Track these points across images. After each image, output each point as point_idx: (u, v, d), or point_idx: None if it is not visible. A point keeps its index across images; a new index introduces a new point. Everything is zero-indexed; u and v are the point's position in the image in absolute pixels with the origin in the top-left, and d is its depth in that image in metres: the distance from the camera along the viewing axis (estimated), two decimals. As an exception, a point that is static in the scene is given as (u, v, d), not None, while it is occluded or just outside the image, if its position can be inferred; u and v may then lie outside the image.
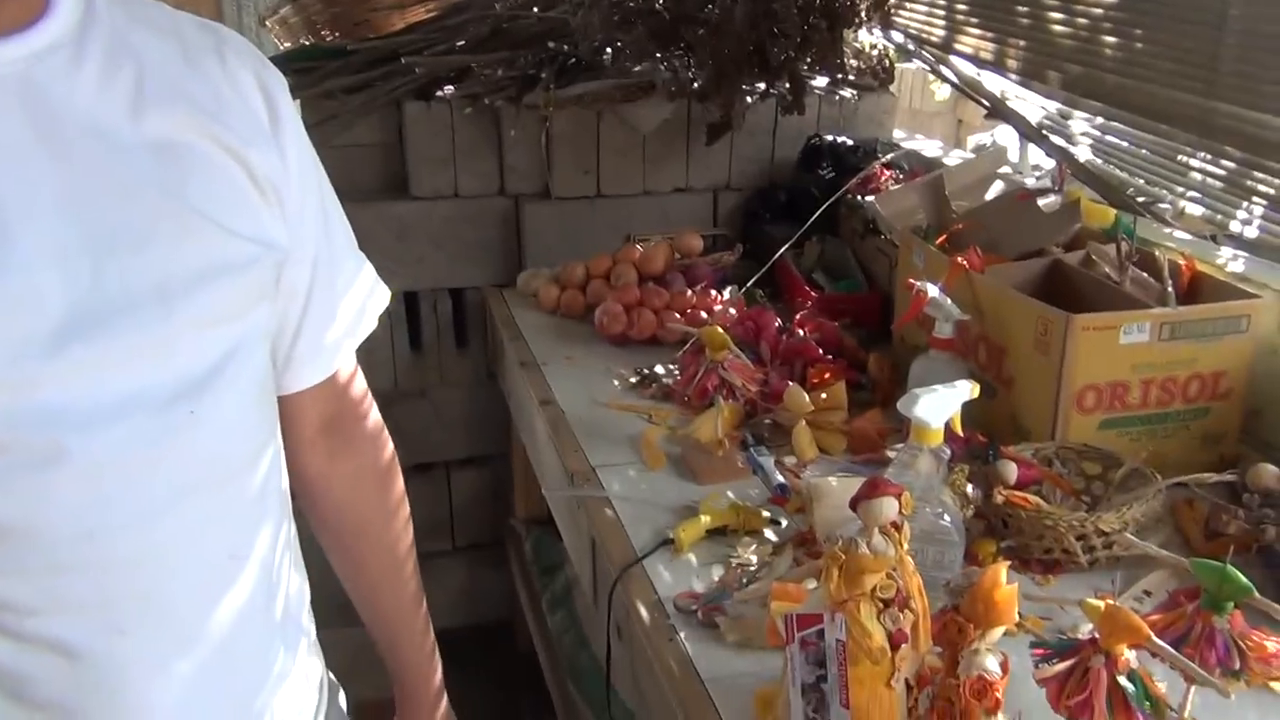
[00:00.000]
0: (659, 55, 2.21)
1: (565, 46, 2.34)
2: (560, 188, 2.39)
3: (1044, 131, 2.12)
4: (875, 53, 2.56)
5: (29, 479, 0.70)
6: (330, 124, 2.31)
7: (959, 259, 1.58)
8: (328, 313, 0.92)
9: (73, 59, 0.73)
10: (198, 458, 0.77)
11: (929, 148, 2.46)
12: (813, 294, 2.01)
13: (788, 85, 2.22)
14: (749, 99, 2.32)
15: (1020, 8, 2.23)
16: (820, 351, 1.74)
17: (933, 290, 1.54)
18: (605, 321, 2.01)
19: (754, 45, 2.08)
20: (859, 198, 2.17)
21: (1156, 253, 1.56)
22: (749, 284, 2.09)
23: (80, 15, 0.74)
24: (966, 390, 1.17)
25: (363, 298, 0.96)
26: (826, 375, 1.66)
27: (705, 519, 1.34)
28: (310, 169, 0.88)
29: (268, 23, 2.72)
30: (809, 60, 2.20)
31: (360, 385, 1.02)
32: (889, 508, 0.94)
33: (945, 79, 2.49)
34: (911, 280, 1.59)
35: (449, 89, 2.36)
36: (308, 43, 2.58)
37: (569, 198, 2.40)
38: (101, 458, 0.72)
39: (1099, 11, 2.02)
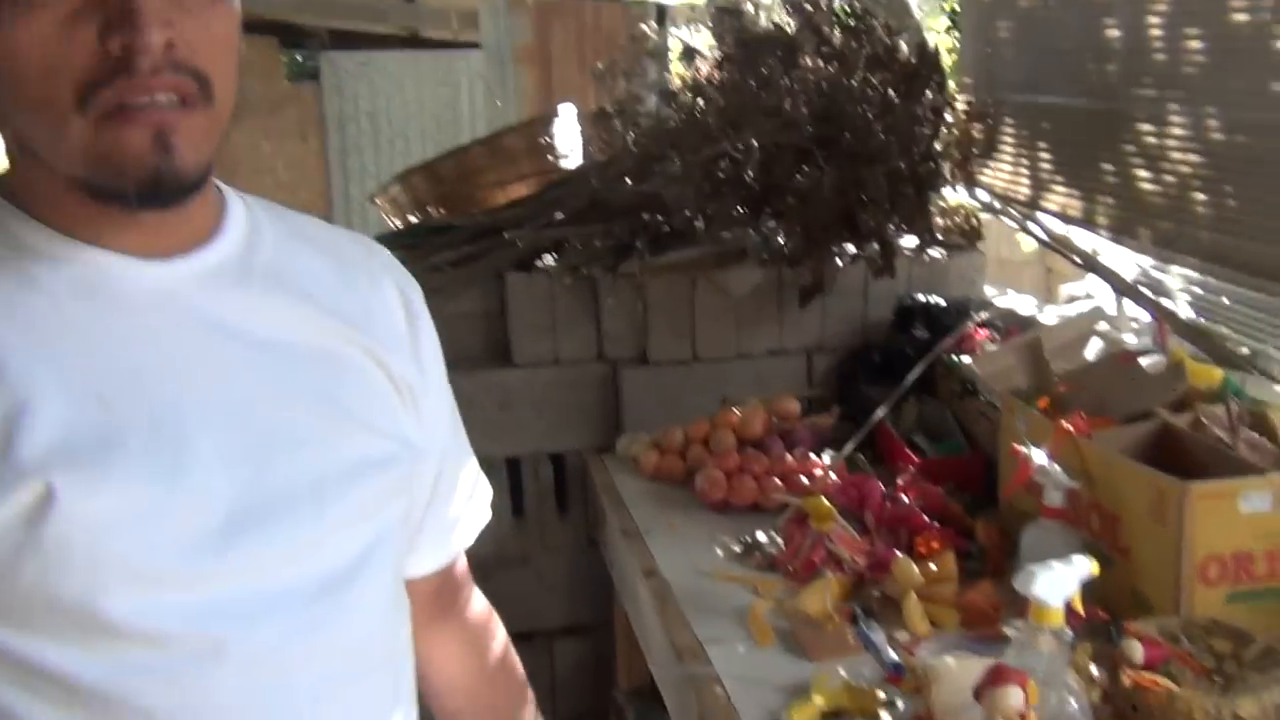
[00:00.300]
0: (749, 223, 2.28)
1: (659, 217, 2.44)
2: (657, 352, 2.44)
3: (1140, 288, 2.12)
4: (961, 212, 2.60)
5: (191, 673, 0.73)
6: (436, 296, 2.40)
7: (1064, 424, 1.57)
8: (450, 503, 0.99)
9: (240, 276, 0.80)
10: (344, 648, 0.81)
11: (1023, 304, 2.47)
12: (914, 457, 2.01)
13: (878, 248, 2.26)
14: (839, 262, 2.37)
15: (1106, 166, 2.26)
16: (926, 519, 1.73)
17: (1039, 456, 1.53)
18: (706, 488, 2.02)
19: (843, 212, 2.13)
20: (955, 358, 2.18)
21: (1269, 413, 1.53)
22: (848, 447, 2.09)
23: (247, 234, 0.82)
24: (1086, 567, 1.15)
25: (476, 488, 1.03)
26: (934, 544, 1.64)
27: (819, 700, 1.32)
28: (441, 371, 0.96)
29: (377, 200, 2.88)
30: (897, 224, 2.25)
31: (463, 565, 1.08)
32: (1015, 698, 0.92)
33: (1034, 236, 2.51)
34: (1016, 446, 1.58)
35: (549, 259, 2.46)
36: (415, 219, 2.72)
37: (665, 362, 2.45)
38: (259, 651, 0.75)
39: (1187, 170, 2.04)
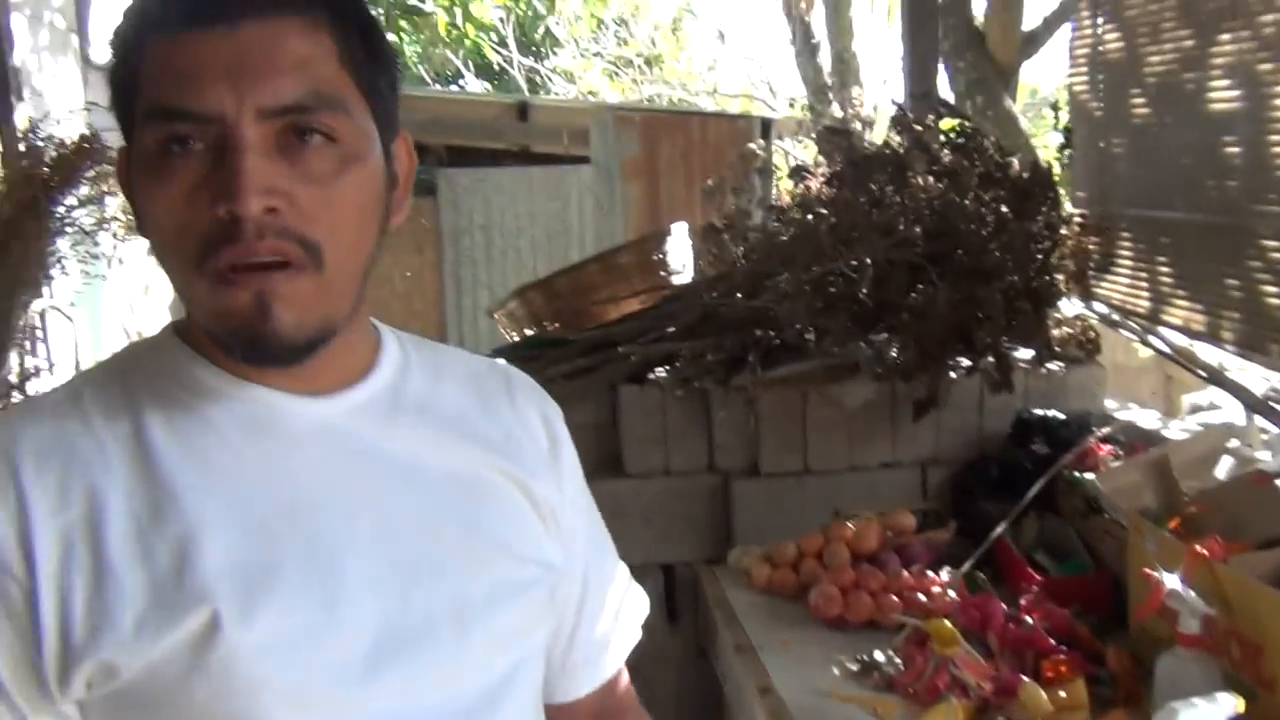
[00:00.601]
0: (862, 337, 2.30)
1: (770, 331, 2.46)
2: (768, 464, 2.44)
3: (1272, 404, 2.06)
4: (1079, 324, 2.57)
5: None
6: (550, 408, 2.47)
7: (1198, 547, 1.52)
8: (599, 622, 0.99)
9: (391, 408, 0.85)
10: None
11: (1146, 418, 2.41)
12: (1036, 576, 1.95)
13: (993, 363, 2.25)
14: (953, 375, 2.35)
15: (1231, 281, 2.22)
16: (1053, 642, 1.68)
17: (1171, 581, 1.48)
18: (821, 604, 2.00)
19: (958, 327, 2.13)
20: (1077, 474, 2.13)
21: None
22: (967, 565, 2.05)
23: (398, 369, 0.87)
24: (1231, 705, 1.11)
25: (627, 603, 1.03)
26: (1062, 669, 1.58)
27: (946, 832, 1.28)
28: (581, 490, 0.98)
29: (495, 315, 2.98)
30: (1014, 339, 2.23)
31: (625, 685, 1.06)
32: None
33: (1156, 350, 2.47)
34: (1148, 571, 1.53)
35: (661, 372, 2.51)
36: (531, 333, 2.81)
37: (777, 474, 2.45)
38: None
39: (1319, 284, 1.99)
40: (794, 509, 2.43)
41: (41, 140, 2.36)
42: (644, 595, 1.06)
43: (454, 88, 11.59)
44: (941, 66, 3.99)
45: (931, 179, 2.22)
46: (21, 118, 3.10)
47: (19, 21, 3.31)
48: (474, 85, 12.20)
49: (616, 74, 12.98)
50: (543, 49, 12.55)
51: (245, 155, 0.71)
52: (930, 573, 2.05)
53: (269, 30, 0.72)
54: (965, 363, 2.33)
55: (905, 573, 2.03)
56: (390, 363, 0.86)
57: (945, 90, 4.71)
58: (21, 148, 2.55)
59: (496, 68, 11.94)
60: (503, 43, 11.51)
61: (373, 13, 0.82)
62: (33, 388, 2.85)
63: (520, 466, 0.89)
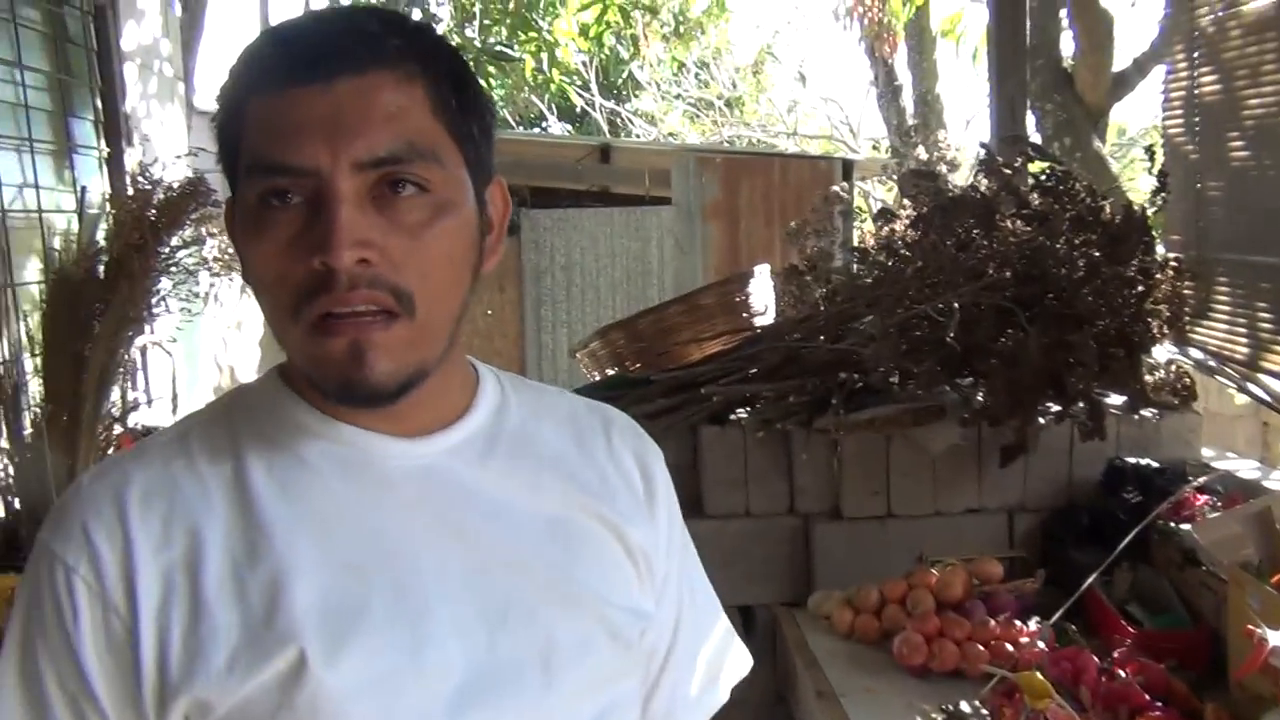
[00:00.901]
0: (948, 381, 2.27)
1: (854, 374, 2.45)
2: (850, 508, 2.42)
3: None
4: (1174, 370, 2.51)
5: None
6: (632, 448, 2.48)
7: (1303, 604, 1.46)
8: (688, 673, 0.95)
9: (485, 450, 0.85)
10: None
11: (1244, 468, 2.33)
12: (1130, 629, 1.90)
13: (1085, 409, 2.20)
14: (1042, 421, 2.31)
15: (1336, 327, 2.15)
16: (1148, 698, 1.62)
17: (1276, 639, 1.43)
18: (905, 651, 1.96)
19: (1049, 373, 2.10)
20: (1172, 524, 2.07)
21: None
22: (1057, 615, 2.00)
23: (495, 409, 0.87)
24: (1341, 769, 1.06)
25: (720, 659, 0.99)
26: (1158, 727, 1.53)
27: None
28: (677, 535, 0.95)
29: (577, 355, 3.01)
30: (1106, 385, 2.19)
31: None
32: None
33: (1253, 397, 2.39)
34: (1250, 627, 1.48)
35: (742, 413, 2.50)
36: (613, 373, 2.83)
37: (859, 518, 2.42)
38: None
39: None
40: (876, 554, 2.40)
41: (149, 184, 2.47)
42: (745, 653, 1.02)
43: (537, 130, 11.81)
44: (1029, 108, 3.95)
45: (1020, 222, 2.20)
46: (131, 162, 3.25)
47: (130, 70, 3.47)
48: (556, 128, 12.40)
49: (697, 116, 13.08)
50: (624, 92, 12.72)
51: (339, 208, 0.72)
52: (1018, 622, 2.00)
53: (363, 85, 0.74)
54: (1055, 408, 2.29)
55: (992, 622, 1.99)
56: (487, 404, 0.87)
57: (1032, 132, 4.66)
58: (130, 191, 2.67)
59: (579, 110, 12.13)
60: (585, 86, 11.70)
61: (466, 61, 0.84)
62: (133, 420, 2.96)
63: (614, 511, 0.88)
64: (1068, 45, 5.73)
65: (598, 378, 2.88)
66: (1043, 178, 2.32)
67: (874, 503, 2.42)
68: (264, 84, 0.75)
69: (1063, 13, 5.60)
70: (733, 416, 2.50)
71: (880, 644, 2.08)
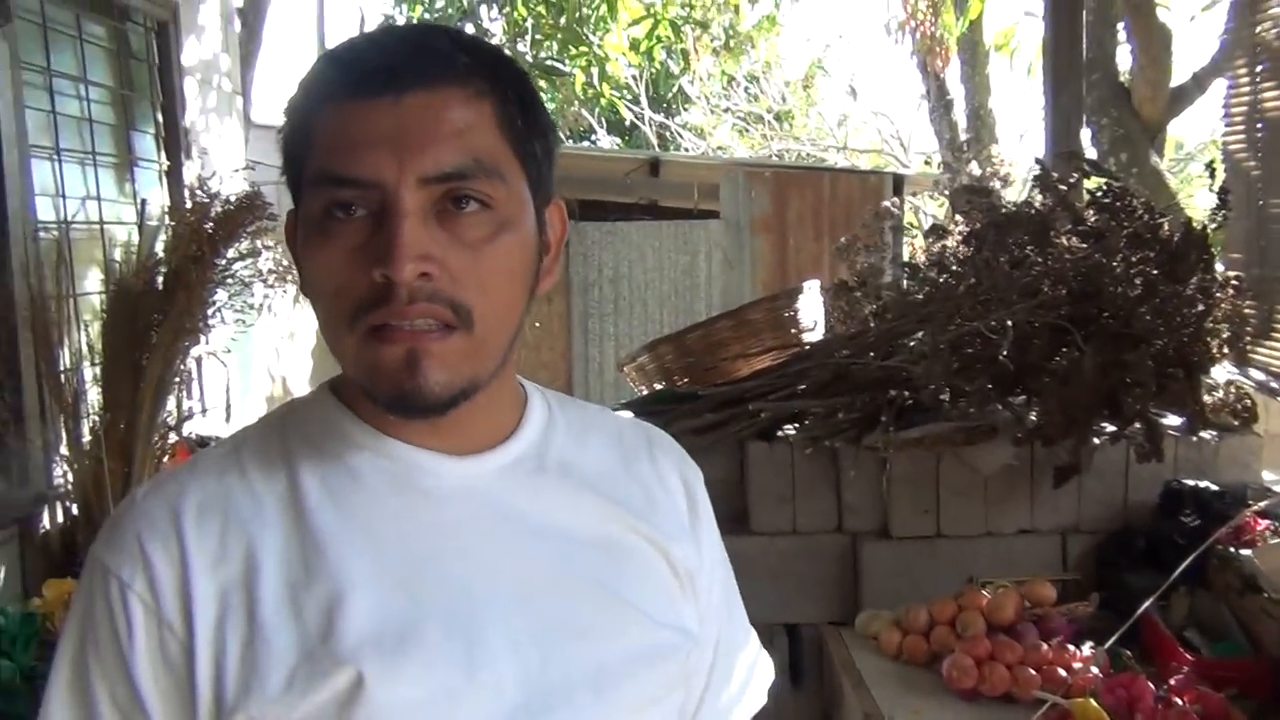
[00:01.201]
0: (1001, 400, 2.24)
1: (905, 392, 2.43)
2: (899, 527, 2.39)
3: None
4: (1233, 391, 2.46)
5: None
6: (679, 463, 2.47)
7: (1370, 635, 1.42)
8: (725, 690, 0.96)
9: (534, 469, 0.85)
10: None
11: (1307, 493, 2.27)
12: (1188, 656, 1.85)
13: (1141, 429, 2.16)
14: (1097, 441, 2.27)
15: (1405, 349, 2.09)
16: (1206, 728, 1.59)
17: (1342, 670, 1.39)
18: (954, 675, 1.93)
19: (1104, 392, 2.06)
20: (1231, 549, 2.02)
21: None
22: (1111, 641, 1.96)
23: (544, 429, 0.87)
24: None
25: (754, 672, 1.00)
26: (1217, 758, 1.50)
27: None
28: (718, 553, 0.95)
29: (625, 369, 3.01)
30: (1164, 406, 2.14)
31: None
32: None
33: (1319, 420, 2.33)
34: (1314, 657, 1.44)
35: (790, 430, 2.49)
36: (661, 387, 2.83)
37: (908, 537, 2.40)
38: None
39: None
40: (925, 574, 2.37)
41: (207, 197, 2.51)
42: (770, 663, 1.04)
43: (586, 143, 11.87)
44: (1084, 123, 3.90)
45: (1076, 239, 2.16)
46: (190, 175, 3.31)
47: (190, 84, 3.54)
48: (605, 141, 12.46)
49: (746, 130, 13.07)
50: (674, 105, 12.75)
51: (403, 222, 0.72)
52: (1071, 647, 1.97)
53: (432, 100, 0.74)
54: (1111, 429, 2.25)
55: (1044, 646, 1.96)
56: (535, 422, 0.87)
57: (1087, 147, 4.59)
58: (189, 204, 2.72)
59: (628, 124, 12.17)
60: (635, 100, 11.74)
61: (532, 81, 0.84)
62: (187, 428, 3.01)
63: (659, 530, 0.87)
64: (1125, 59, 5.66)
65: (645, 392, 2.89)
66: (1099, 194, 2.28)
67: (923, 522, 2.39)
68: (333, 97, 0.75)
69: (1120, 26, 5.53)
70: (780, 433, 2.49)
71: (929, 666, 2.06)
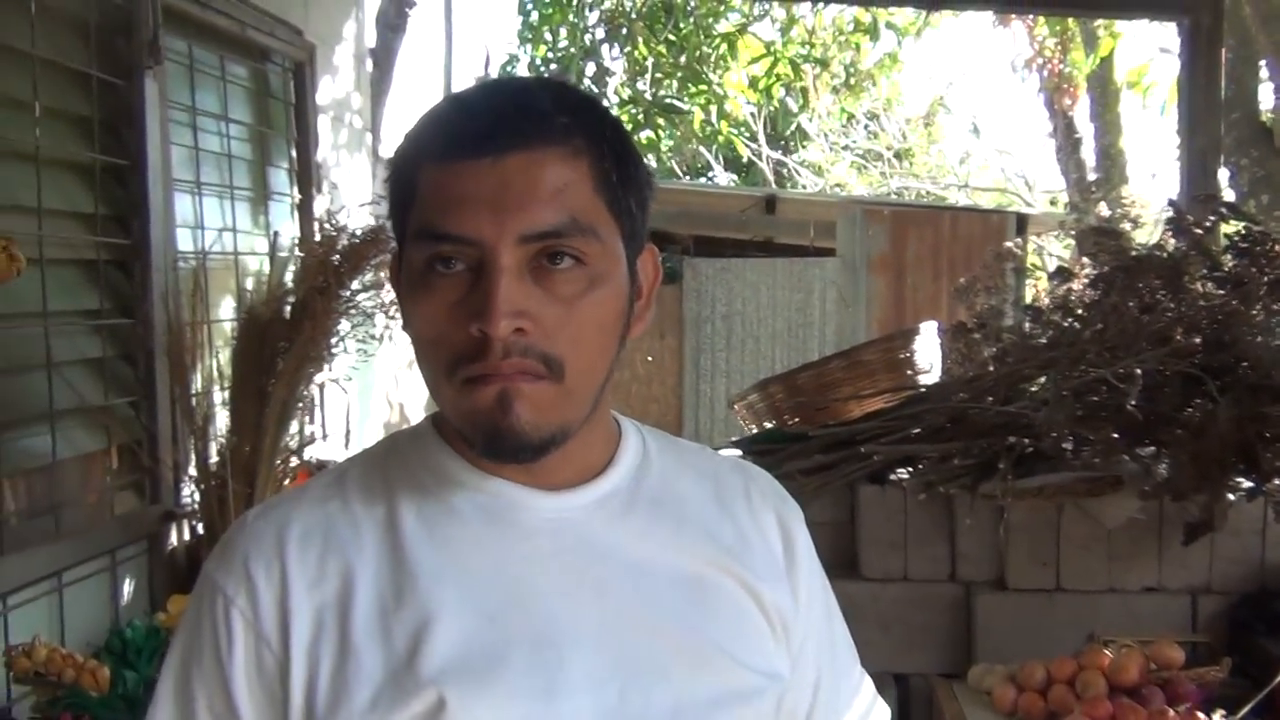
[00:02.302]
0: (1127, 451, 2.15)
1: (1025, 439, 2.35)
2: (1016, 578, 2.31)
3: None
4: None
5: None
6: (787, 504, 2.44)
7: None
8: None
9: (625, 505, 0.86)
10: None
11: None
12: (1331, 733, 1.74)
13: (1280, 486, 2.05)
14: (1232, 497, 2.16)
15: None
16: (1352, 812, 1.48)
17: None
18: (1073, 737, 1.85)
19: (1241, 446, 1.96)
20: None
21: None
22: (1245, 710, 1.85)
23: (637, 465, 0.89)
24: None
25: (866, 712, 0.98)
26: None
27: None
28: (818, 596, 0.94)
29: (735, 406, 2.99)
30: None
31: None
32: None
33: None
34: None
35: (903, 474, 2.43)
36: (771, 426, 2.80)
37: (1025, 589, 2.31)
38: None
39: None
40: (1043, 629, 2.28)
41: (335, 230, 2.60)
42: (887, 710, 1.01)
43: (703, 180, 11.93)
44: (1222, 164, 3.75)
45: (1212, 285, 2.07)
46: (319, 208, 3.44)
47: (323, 122, 3.69)
48: (722, 177, 12.50)
49: (865, 167, 12.96)
50: (792, 142, 12.73)
51: (499, 279, 0.75)
52: (1201, 715, 1.87)
53: (531, 160, 0.76)
54: (1247, 485, 2.14)
55: (1171, 712, 1.86)
56: (629, 459, 0.88)
57: (1225, 189, 4.41)
58: (317, 236, 2.83)
59: (745, 160, 12.20)
60: (753, 137, 11.76)
61: (629, 135, 0.86)
62: (309, 453, 3.10)
63: (751, 571, 0.87)
64: (1267, 98, 5.43)
65: (755, 430, 2.86)
66: (1237, 238, 2.19)
67: (1042, 574, 2.30)
68: (437, 154, 0.78)
69: (1262, 64, 5.31)
70: (893, 476, 2.44)
71: (1046, 726, 1.98)
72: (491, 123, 0.77)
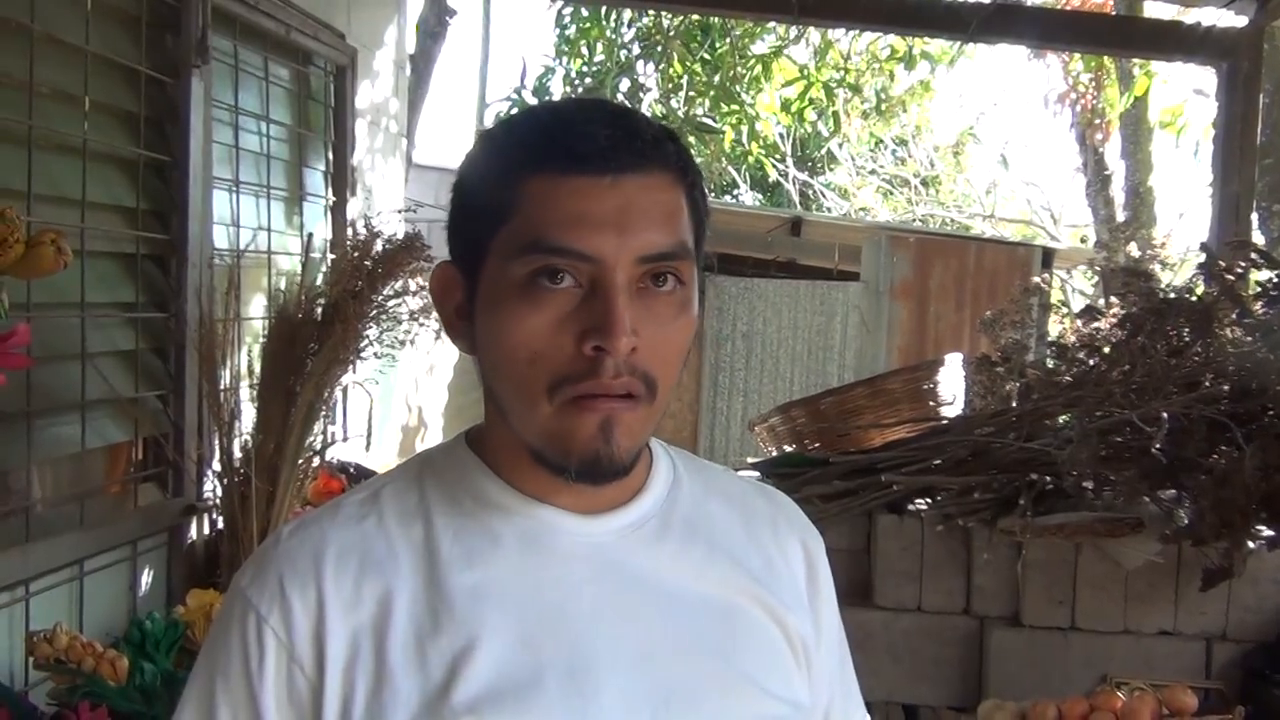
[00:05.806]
0: (1149, 494, 2.15)
1: (1046, 476, 2.35)
2: (1031, 615, 2.31)
3: None
4: None
5: None
6: (804, 529, 2.44)
7: None
8: None
9: (658, 530, 0.86)
10: None
11: None
12: (1344, 788, 1.73)
13: (1302, 537, 2.04)
14: (1252, 545, 2.15)
15: None
16: None
17: None
18: (1083, 778, 1.85)
19: (1266, 494, 1.95)
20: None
21: None
22: (1258, 760, 1.84)
23: (669, 488, 0.89)
24: None
25: None
26: None
27: None
28: (835, 626, 0.95)
29: (756, 428, 3.00)
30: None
31: None
32: None
33: None
34: None
35: (921, 504, 2.43)
36: (790, 449, 2.81)
37: (1039, 627, 2.31)
38: None
39: None
40: (1056, 667, 2.27)
41: (370, 234, 2.63)
42: None
43: (728, 198, 11.94)
44: (1254, 209, 3.73)
45: (1241, 331, 2.07)
46: (353, 211, 3.47)
47: (361, 125, 3.73)
48: (747, 197, 12.50)
49: (891, 193, 12.94)
50: (819, 164, 12.73)
51: (619, 297, 0.75)
52: (1213, 763, 1.86)
53: (646, 183, 0.77)
54: (1269, 533, 2.13)
55: (1183, 759, 1.85)
56: (661, 483, 0.89)
57: (1256, 235, 4.39)
58: (350, 239, 2.85)
59: (771, 180, 12.20)
60: (782, 159, 11.77)
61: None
62: (330, 454, 3.13)
63: (777, 598, 0.88)
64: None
65: (774, 453, 2.87)
66: (1269, 285, 2.18)
67: (1057, 612, 2.30)
68: (549, 165, 0.77)
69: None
70: (911, 507, 2.44)
71: (1055, 766, 1.97)
72: (607, 142, 0.77)
